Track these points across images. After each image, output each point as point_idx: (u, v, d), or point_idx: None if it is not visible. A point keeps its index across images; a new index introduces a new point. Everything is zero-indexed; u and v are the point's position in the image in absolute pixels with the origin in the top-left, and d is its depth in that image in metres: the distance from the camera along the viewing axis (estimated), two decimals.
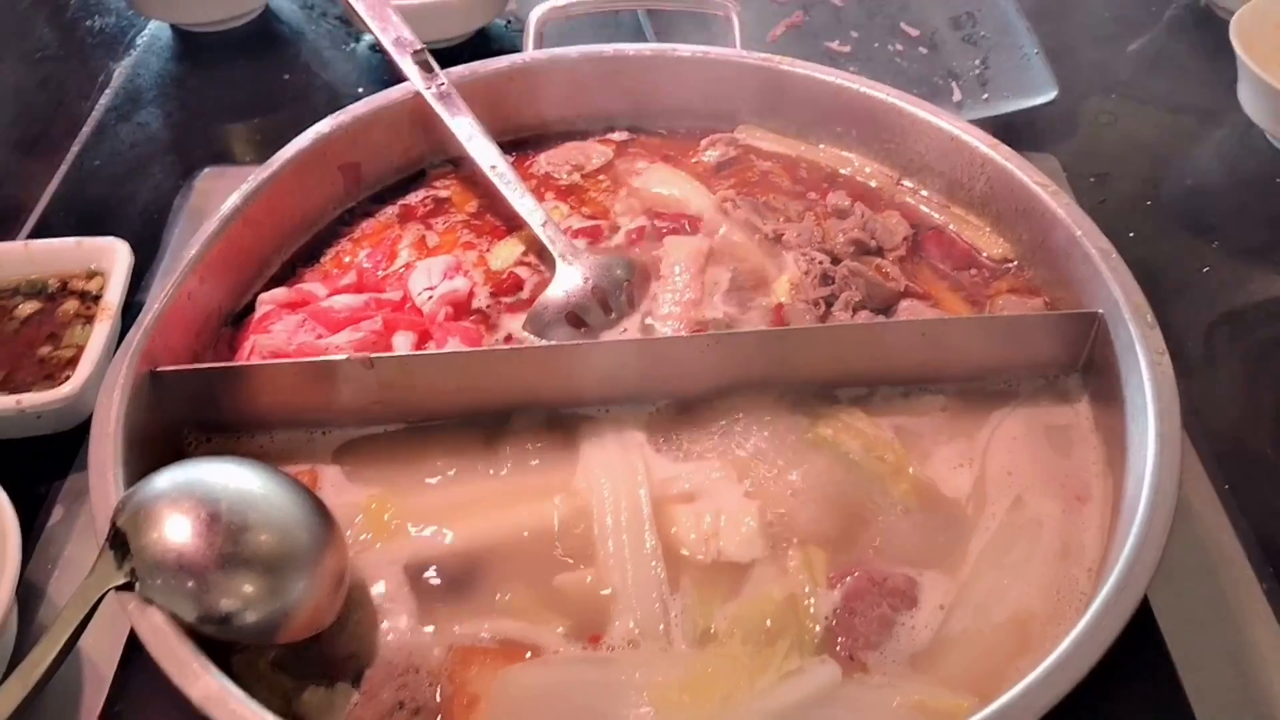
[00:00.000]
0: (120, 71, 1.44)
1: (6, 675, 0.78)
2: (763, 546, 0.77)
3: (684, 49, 1.05)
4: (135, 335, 0.78)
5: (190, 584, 0.64)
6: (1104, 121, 1.37)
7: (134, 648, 0.84)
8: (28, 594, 0.84)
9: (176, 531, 0.65)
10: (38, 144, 1.33)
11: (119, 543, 0.66)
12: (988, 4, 1.43)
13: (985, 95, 1.33)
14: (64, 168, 1.29)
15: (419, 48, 0.99)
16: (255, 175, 0.92)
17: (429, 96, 0.97)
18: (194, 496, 0.67)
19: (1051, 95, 1.27)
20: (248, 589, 0.66)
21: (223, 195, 1.21)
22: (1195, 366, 1.05)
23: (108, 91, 1.41)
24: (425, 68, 0.98)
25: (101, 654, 0.83)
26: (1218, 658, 0.82)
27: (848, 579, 0.74)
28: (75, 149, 1.32)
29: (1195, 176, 1.30)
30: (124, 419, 0.74)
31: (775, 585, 0.75)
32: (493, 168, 0.95)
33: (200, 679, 0.60)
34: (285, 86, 1.43)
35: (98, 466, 0.70)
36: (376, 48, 1.45)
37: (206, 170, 1.26)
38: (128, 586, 0.65)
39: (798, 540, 0.77)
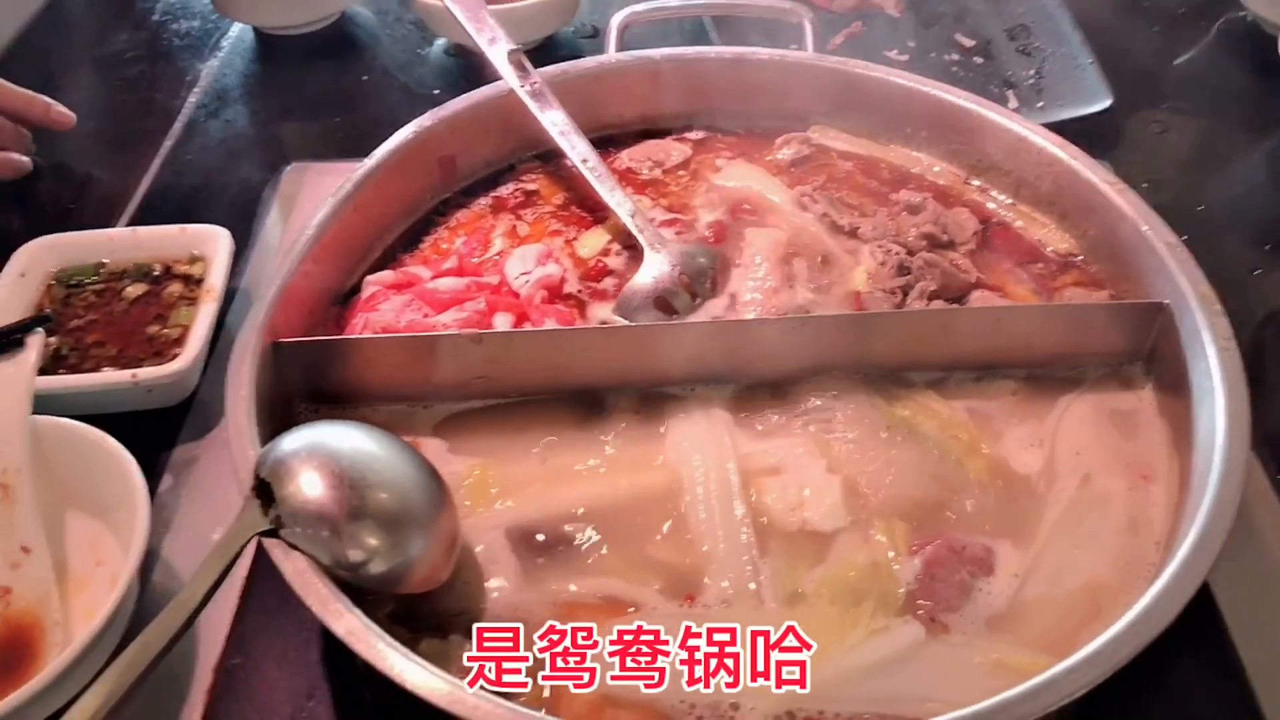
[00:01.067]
0: (207, 72, 1.51)
1: (131, 627, 0.85)
2: (846, 517, 0.81)
3: (763, 52, 1.10)
4: (262, 309, 0.84)
5: (325, 533, 0.70)
6: (1155, 130, 1.41)
7: (247, 605, 0.90)
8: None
9: (311, 485, 0.71)
10: (132, 139, 1.39)
11: (263, 492, 0.71)
12: (1042, 16, 1.48)
13: (1040, 104, 1.38)
14: (158, 161, 1.36)
15: (514, 48, 1.05)
16: (364, 164, 0.98)
17: (523, 94, 1.03)
18: (324, 454, 0.73)
19: (1107, 103, 1.31)
20: (373, 541, 0.71)
21: (309, 188, 1.30)
22: (1246, 360, 1.08)
23: (195, 90, 1.48)
24: (519, 67, 1.04)
25: (216, 611, 0.89)
26: (1274, 631, 0.86)
27: (928, 547, 0.79)
28: (168, 144, 1.39)
29: (1245, 184, 1.33)
30: (254, 386, 0.79)
31: (859, 552, 0.79)
32: (584, 161, 1.00)
33: (344, 616, 0.66)
34: (363, 87, 1.49)
35: (235, 425, 0.76)
36: (452, 51, 1.52)
37: (292, 165, 1.33)
38: (271, 533, 0.70)
39: (879, 512, 0.81)
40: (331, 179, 1.00)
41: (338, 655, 0.86)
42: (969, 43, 1.50)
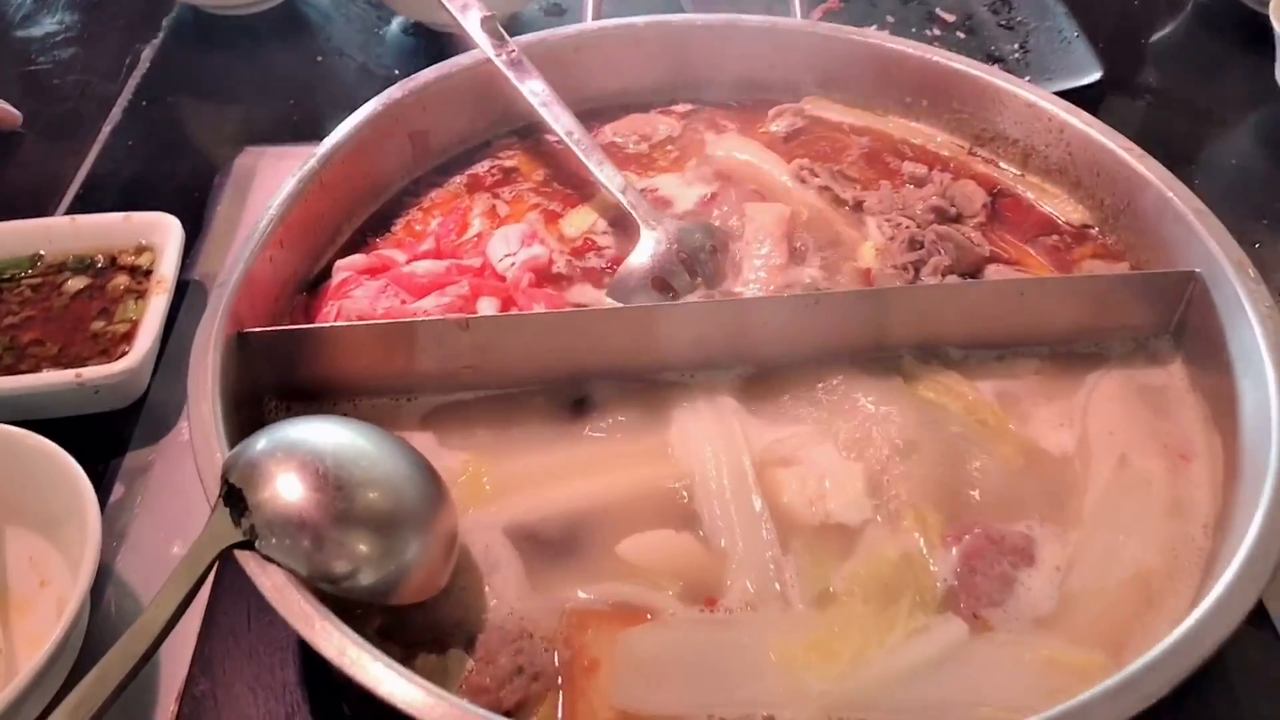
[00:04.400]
0: (147, 53, 1.41)
1: (83, 655, 0.76)
2: (871, 508, 0.75)
3: (752, 19, 1.04)
4: (224, 296, 0.76)
5: (307, 542, 0.62)
6: (1141, 104, 1.37)
7: (213, 623, 0.81)
8: None
9: (290, 489, 0.63)
10: (68, 126, 1.30)
11: (234, 500, 0.63)
12: None
13: (1027, 77, 1.33)
14: (97, 148, 1.26)
15: (488, 14, 0.97)
16: (330, 138, 0.90)
17: (499, 63, 0.96)
18: (304, 453, 0.65)
19: (1097, 75, 1.27)
20: (363, 548, 0.64)
21: (264, 174, 1.22)
22: None
23: (135, 74, 1.38)
24: (495, 35, 0.97)
25: (179, 631, 0.80)
26: None
27: (965, 538, 0.73)
28: (107, 129, 1.29)
29: (1238, 158, 1.30)
30: (220, 380, 0.71)
31: (889, 545, 0.73)
32: (570, 134, 0.93)
33: (333, 636, 0.58)
34: (317, 68, 1.41)
35: (200, 424, 0.68)
36: (410, 30, 1.44)
37: (246, 149, 1.25)
38: (245, 544, 0.62)
39: (907, 501, 0.75)
40: (289, 163, 0.92)
41: (316, 672, 0.78)
42: (949, 17, 1.46)
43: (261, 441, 0.66)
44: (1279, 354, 0.73)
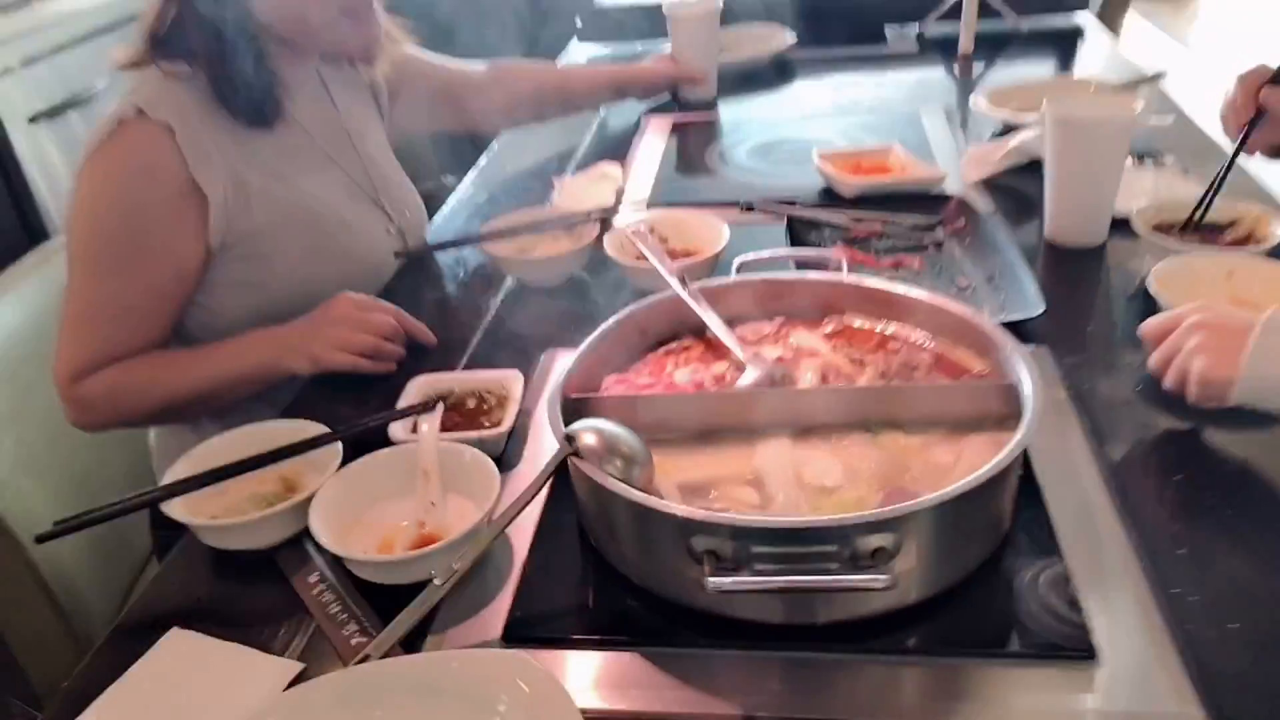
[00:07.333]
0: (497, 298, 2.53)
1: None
2: (843, 480, 1.61)
3: (814, 275, 2.02)
4: (561, 377, 1.75)
5: (599, 459, 1.55)
6: (1081, 327, 2.22)
7: (541, 531, 1.73)
8: None
9: (590, 437, 1.58)
10: (456, 346, 2.38)
11: (569, 440, 1.58)
12: (1008, 270, 2.36)
13: (1001, 314, 2.23)
14: (475, 340, 2.34)
15: (683, 273, 2.00)
16: (597, 330, 1.90)
17: (684, 295, 1.96)
18: (599, 427, 1.60)
19: (1040, 310, 2.15)
20: (620, 464, 1.56)
21: (557, 364, 2.24)
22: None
23: (489, 312, 2.48)
24: (682, 281, 1.98)
25: (522, 536, 1.73)
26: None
27: (888, 492, 1.58)
28: (476, 339, 2.37)
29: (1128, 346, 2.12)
30: (560, 405, 1.68)
31: (849, 495, 1.59)
32: (717, 326, 1.92)
33: (597, 473, 1.51)
34: (595, 311, 2.33)
35: (553, 417, 1.65)
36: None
37: (548, 351, 2.28)
38: (575, 454, 1.57)
39: (862, 479, 1.61)
40: (563, 362, 1.87)
41: (595, 558, 1.67)
42: (965, 283, 2.39)
43: (582, 423, 1.62)
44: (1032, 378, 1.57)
